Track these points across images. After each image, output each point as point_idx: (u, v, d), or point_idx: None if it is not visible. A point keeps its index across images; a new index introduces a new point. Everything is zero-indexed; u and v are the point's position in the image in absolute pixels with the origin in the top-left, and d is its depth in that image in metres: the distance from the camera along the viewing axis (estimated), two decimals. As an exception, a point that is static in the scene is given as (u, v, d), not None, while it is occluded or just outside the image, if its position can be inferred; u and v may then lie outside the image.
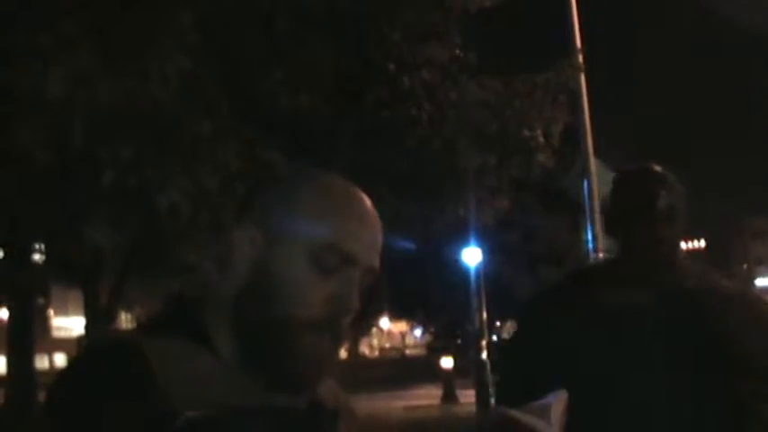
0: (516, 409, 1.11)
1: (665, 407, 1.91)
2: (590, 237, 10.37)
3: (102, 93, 5.44)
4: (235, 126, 6.73)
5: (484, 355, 17.74)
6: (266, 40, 7.41)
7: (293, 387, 1.08)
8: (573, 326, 2.01)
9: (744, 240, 67.11)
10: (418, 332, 52.78)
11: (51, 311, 35.18)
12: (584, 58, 10.97)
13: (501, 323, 33.97)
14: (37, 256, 10.95)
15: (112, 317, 10.86)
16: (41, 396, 3.31)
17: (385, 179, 8.75)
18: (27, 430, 9.37)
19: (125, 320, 24.28)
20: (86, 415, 0.96)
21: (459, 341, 31.94)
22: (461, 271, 19.75)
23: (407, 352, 53.66)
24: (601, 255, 9.69)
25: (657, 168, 2.10)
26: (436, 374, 22.31)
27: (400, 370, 32.68)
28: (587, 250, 10.52)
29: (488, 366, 16.82)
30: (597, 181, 10.27)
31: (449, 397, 20.38)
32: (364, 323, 33.21)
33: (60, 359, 30.11)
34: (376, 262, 1.12)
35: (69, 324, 33.08)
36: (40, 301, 21.74)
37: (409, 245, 12.56)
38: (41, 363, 17.46)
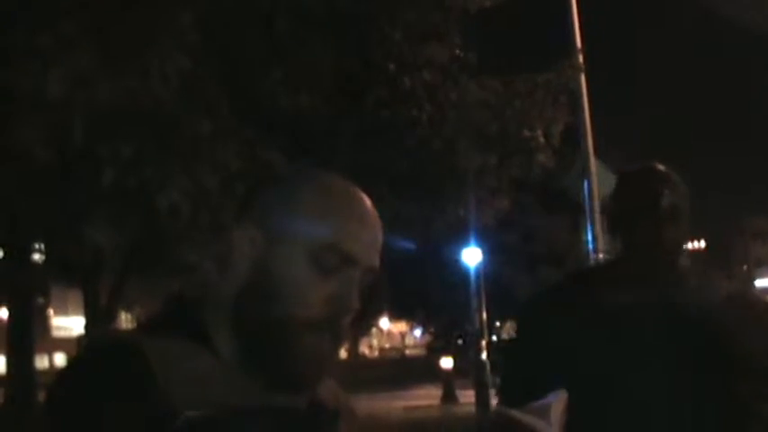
0: (516, 409, 1.11)
1: (665, 407, 1.91)
2: (590, 237, 10.38)
3: (102, 93, 5.44)
4: (235, 126, 6.73)
5: (484, 355, 17.75)
6: (266, 40, 7.41)
7: (293, 387, 1.08)
8: (573, 326, 2.01)
9: (744, 241, 66.97)
10: (418, 332, 52.79)
11: (51, 311, 35.17)
12: (584, 59, 10.97)
13: (501, 323, 33.93)
14: (37, 256, 10.96)
15: (112, 317, 10.86)
16: (41, 396, 3.31)
17: (385, 179, 8.74)
18: (27, 430, 9.36)
19: (125, 320, 24.30)
20: (86, 414, 0.96)
21: (460, 341, 31.94)
22: (461, 271, 19.75)
23: (407, 352, 53.76)
24: (601, 255, 9.69)
25: (661, 168, 2.09)
26: (436, 375, 22.30)
27: (400, 370, 32.71)
28: (587, 250, 10.53)
29: (488, 367, 16.83)
30: (597, 181, 10.28)
31: (448, 397, 20.38)
32: (364, 323, 33.18)
33: (60, 359, 30.16)
34: (376, 262, 1.12)
35: (69, 324, 33.10)
36: (40, 300, 21.71)
37: (409, 245, 12.53)
38: (41, 362, 17.51)
